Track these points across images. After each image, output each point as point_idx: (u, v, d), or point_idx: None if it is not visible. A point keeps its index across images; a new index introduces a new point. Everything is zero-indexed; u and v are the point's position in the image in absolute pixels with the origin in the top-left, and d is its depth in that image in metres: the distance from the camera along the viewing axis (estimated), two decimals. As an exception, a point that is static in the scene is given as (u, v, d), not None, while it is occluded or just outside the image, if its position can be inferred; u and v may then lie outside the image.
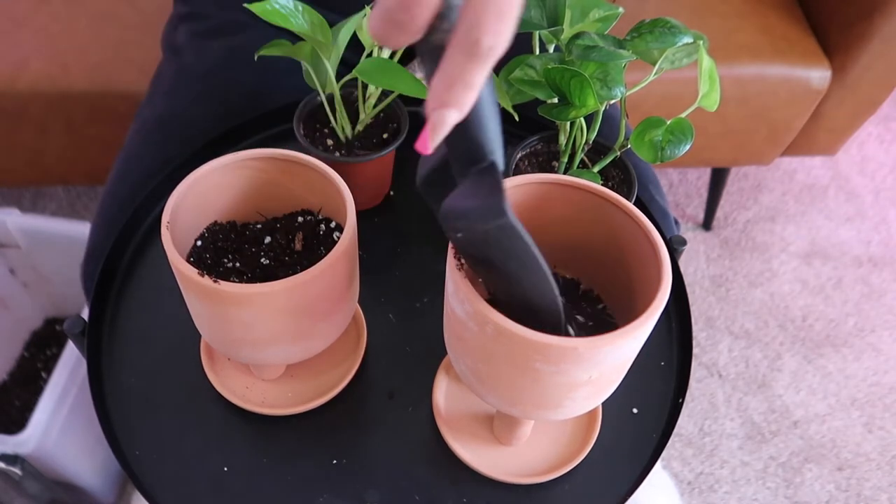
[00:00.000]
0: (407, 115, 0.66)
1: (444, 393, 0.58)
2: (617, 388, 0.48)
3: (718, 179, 1.42)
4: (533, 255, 0.36)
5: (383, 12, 0.28)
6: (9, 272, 1.15)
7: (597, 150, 0.63)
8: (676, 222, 0.83)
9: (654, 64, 0.55)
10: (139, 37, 1.09)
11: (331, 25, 0.57)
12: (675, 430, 1.25)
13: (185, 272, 0.44)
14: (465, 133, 0.33)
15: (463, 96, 0.29)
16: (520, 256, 0.36)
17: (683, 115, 0.56)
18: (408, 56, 0.65)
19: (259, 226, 0.55)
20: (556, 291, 0.39)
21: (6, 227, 1.08)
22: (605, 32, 0.56)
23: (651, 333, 0.61)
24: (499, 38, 0.28)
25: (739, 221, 1.54)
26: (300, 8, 0.55)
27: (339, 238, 0.47)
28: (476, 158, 0.34)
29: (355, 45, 0.62)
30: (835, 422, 1.27)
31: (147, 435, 0.57)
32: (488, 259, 0.37)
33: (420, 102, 0.77)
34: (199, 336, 0.60)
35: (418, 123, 0.76)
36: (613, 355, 0.39)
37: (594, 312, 0.49)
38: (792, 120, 1.19)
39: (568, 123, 0.59)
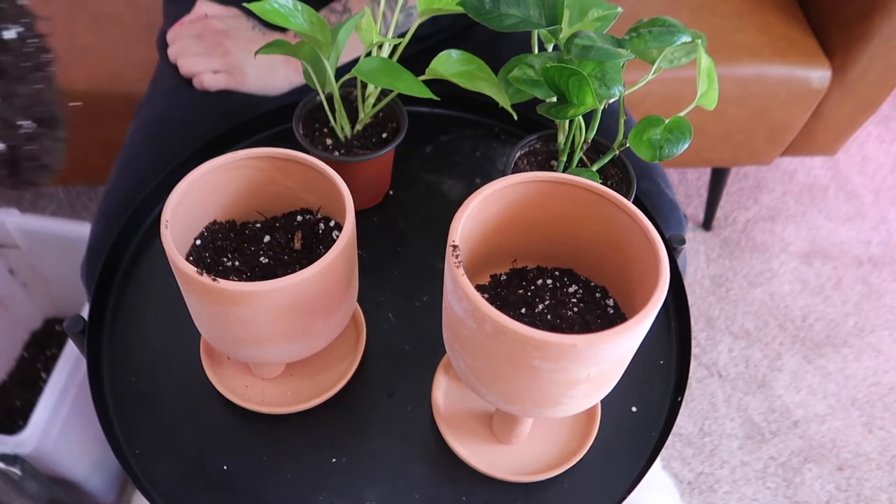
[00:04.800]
0: (406, 114, 0.66)
1: (443, 391, 0.58)
2: (616, 387, 0.48)
3: (718, 179, 1.42)
4: None
5: None
6: (8, 272, 1.15)
7: (596, 149, 0.63)
8: (684, 216, 0.83)
9: (652, 63, 0.55)
10: (139, 37, 1.09)
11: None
12: (675, 430, 1.25)
13: (184, 271, 0.44)
14: None
15: None
16: None
17: (682, 113, 0.56)
18: (408, 56, 0.66)
19: (258, 225, 0.55)
20: None
21: (6, 228, 1.08)
22: (604, 32, 0.56)
23: (650, 332, 0.61)
24: None
25: (739, 221, 1.54)
26: (299, 7, 0.55)
27: (338, 237, 0.47)
28: None
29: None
30: (835, 422, 1.27)
31: (147, 434, 0.57)
32: None
33: (420, 101, 0.77)
34: (199, 335, 0.60)
35: (418, 123, 0.76)
36: (612, 352, 0.40)
37: (604, 311, 0.49)
38: (792, 120, 1.19)
39: (567, 122, 0.59)
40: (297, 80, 0.80)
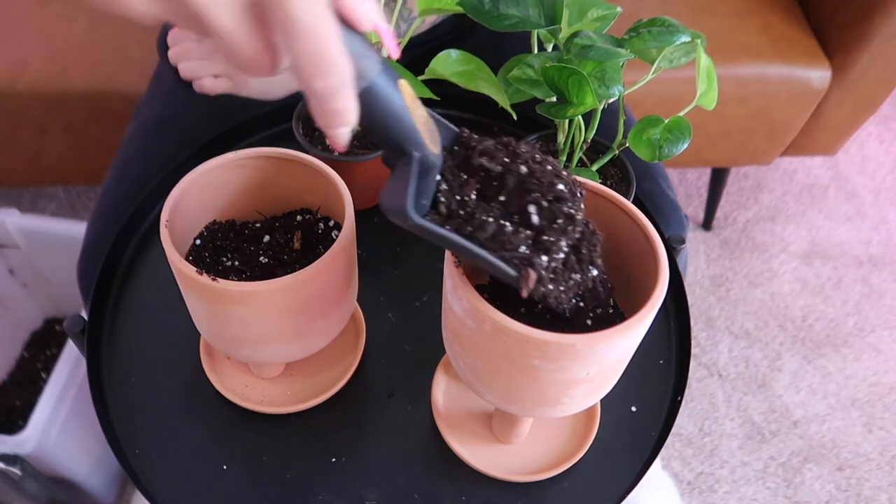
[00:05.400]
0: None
1: (442, 391, 0.58)
2: (616, 387, 0.48)
3: (718, 179, 1.42)
4: (460, 245, 0.37)
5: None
6: (8, 272, 1.15)
7: (595, 149, 0.63)
8: (686, 217, 0.83)
9: (652, 63, 0.55)
10: (139, 37, 1.09)
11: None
12: (675, 430, 1.25)
13: (184, 271, 0.44)
14: (379, 133, 0.36)
15: (337, 119, 0.33)
16: (452, 245, 0.38)
17: (682, 113, 0.56)
18: (410, 60, 0.66)
19: (258, 224, 0.55)
20: (506, 270, 0.39)
21: (6, 228, 1.08)
22: (603, 31, 0.56)
23: (650, 332, 0.61)
24: (326, 81, 0.32)
25: (739, 221, 1.54)
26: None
27: (337, 237, 0.47)
28: (399, 152, 0.37)
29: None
30: (835, 422, 1.27)
31: (147, 433, 0.57)
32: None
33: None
34: (199, 335, 0.60)
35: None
36: (611, 352, 0.40)
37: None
38: (792, 120, 1.19)
39: (566, 122, 0.60)
40: (296, 86, 0.80)
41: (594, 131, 0.59)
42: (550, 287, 0.39)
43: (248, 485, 0.54)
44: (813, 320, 1.39)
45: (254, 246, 0.53)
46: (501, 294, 0.50)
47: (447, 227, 0.37)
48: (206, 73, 0.79)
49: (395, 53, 0.39)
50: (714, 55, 0.61)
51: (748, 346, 1.36)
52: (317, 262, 0.45)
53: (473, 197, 0.38)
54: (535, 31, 0.57)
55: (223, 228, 0.54)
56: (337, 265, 0.47)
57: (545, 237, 0.38)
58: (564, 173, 0.39)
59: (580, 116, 0.56)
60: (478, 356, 0.43)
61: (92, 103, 1.07)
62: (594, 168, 0.61)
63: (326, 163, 0.51)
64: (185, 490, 0.54)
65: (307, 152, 0.54)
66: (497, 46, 0.85)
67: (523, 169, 0.38)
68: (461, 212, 0.38)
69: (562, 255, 0.39)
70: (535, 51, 0.59)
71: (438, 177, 0.39)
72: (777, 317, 1.40)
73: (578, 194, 0.39)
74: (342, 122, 0.34)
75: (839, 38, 1.13)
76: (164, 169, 0.72)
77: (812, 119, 1.21)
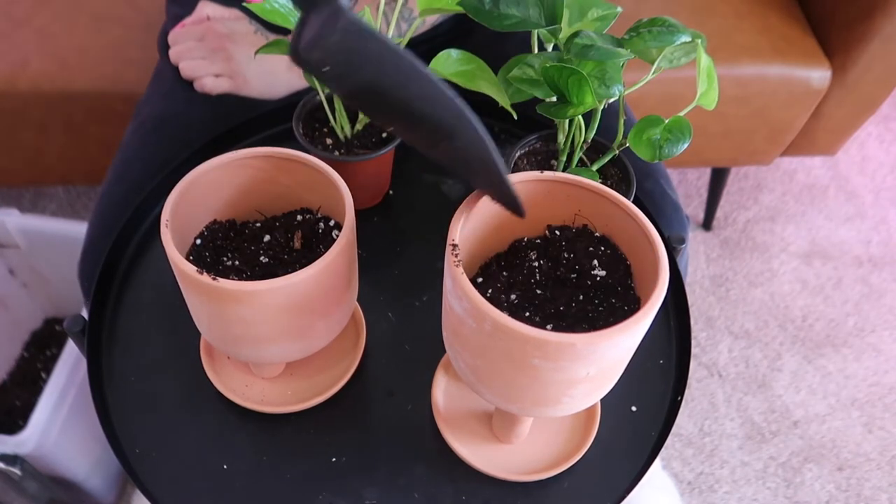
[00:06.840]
0: (406, 114, 0.66)
1: (443, 391, 0.58)
2: (616, 386, 0.48)
3: (718, 179, 1.42)
4: (399, 55, 0.36)
5: None
6: (8, 272, 1.15)
7: (595, 149, 0.63)
8: (687, 218, 0.83)
9: (652, 63, 0.55)
10: (139, 37, 1.09)
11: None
12: (675, 430, 1.25)
13: (184, 270, 0.44)
14: None
15: None
16: (387, 61, 0.36)
17: (682, 113, 0.56)
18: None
19: (258, 224, 0.55)
20: (451, 95, 0.37)
21: (6, 228, 1.08)
22: (604, 31, 0.56)
23: (650, 331, 0.61)
24: None
25: (739, 221, 1.54)
26: (299, 7, 0.55)
27: (338, 236, 0.47)
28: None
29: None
30: (835, 422, 1.27)
31: (147, 433, 0.57)
32: (372, 88, 0.37)
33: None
34: (199, 335, 0.60)
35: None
36: (611, 351, 0.40)
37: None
38: (792, 120, 1.19)
39: (566, 122, 0.60)
40: (298, 84, 0.80)
41: (594, 131, 0.59)
42: None
43: (248, 485, 0.54)
44: (813, 320, 1.40)
45: (254, 246, 0.53)
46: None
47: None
48: (207, 73, 0.79)
49: None
50: (714, 55, 0.61)
51: (748, 346, 1.36)
52: (317, 262, 0.45)
53: None
54: (536, 31, 0.57)
55: (223, 228, 0.54)
56: (337, 265, 0.47)
57: None
58: None
59: (580, 116, 0.56)
60: (478, 355, 0.43)
61: (92, 103, 1.08)
62: (594, 168, 0.61)
63: (327, 163, 0.51)
64: (185, 490, 0.54)
65: (307, 152, 0.54)
66: (498, 47, 0.85)
67: None
68: None
69: None
70: (536, 51, 0.59)
71: None
72: (777, 317, 1.40)
73: None
74: None
75: (839, 38, 1.13)
76: (164, 169, 0.72)
77: (812, 119, 1.21)
